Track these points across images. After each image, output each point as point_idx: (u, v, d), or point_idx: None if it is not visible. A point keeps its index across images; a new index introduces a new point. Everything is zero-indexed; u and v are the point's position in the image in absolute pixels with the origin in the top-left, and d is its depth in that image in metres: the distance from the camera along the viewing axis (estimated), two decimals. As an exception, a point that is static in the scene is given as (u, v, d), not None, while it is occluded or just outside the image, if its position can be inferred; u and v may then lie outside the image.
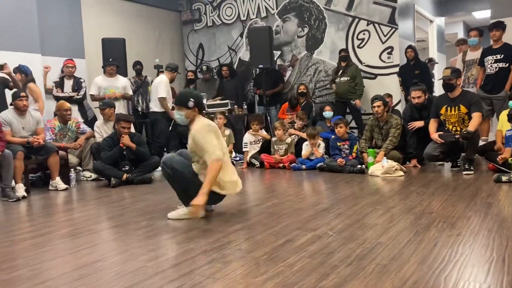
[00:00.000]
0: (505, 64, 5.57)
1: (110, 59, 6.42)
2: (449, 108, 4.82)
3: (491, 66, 5.67)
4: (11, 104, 5.08)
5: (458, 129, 4.78)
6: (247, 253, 2.38)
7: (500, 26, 5.63)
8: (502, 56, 5.58)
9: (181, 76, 8.18)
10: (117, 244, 2.74)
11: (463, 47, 6.72)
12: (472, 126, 4.55)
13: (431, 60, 8.41)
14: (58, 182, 4.97)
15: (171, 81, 6.43)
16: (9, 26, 5.88)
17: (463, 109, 4.72)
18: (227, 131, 6.34)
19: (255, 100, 8.24)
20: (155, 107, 6.36)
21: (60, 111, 5.55)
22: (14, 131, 4.90)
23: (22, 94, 4.97)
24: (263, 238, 2.66)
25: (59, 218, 3.62)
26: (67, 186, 4.99)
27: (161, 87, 6.22)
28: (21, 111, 4.94)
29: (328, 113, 6.33)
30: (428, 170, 5.05)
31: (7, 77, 5.25)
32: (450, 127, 4.86)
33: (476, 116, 4.60)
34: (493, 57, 5.64)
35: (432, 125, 4.95)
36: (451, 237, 2.51)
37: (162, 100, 6.24)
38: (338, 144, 5.36)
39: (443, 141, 4.72)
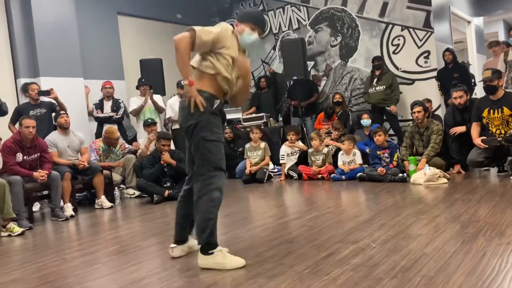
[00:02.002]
0: None
1: (143, 80, 6.65)
2: (491, 110, 4.66)
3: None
4: (55, 128, 5.34)
5: (503, 132, 4.62)
6: (289, 268, 2.38)
7: None
8: None
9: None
10: (163, 260, 2.81)
11: (496, 49, 6.49)
12: None
13: (464, 63, 8.14)
14: (103, 200, 5.16)
15: None
16: (53, 54, 6.21)
17: (506, 111, 4.56)
18: (262, 144, 6.39)
19: (290, 111, 8.25)
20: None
21: (110, 138, 5.77)
22: (60, 151, 5.15)
23: (62, 112, 5.26)
24: (304, 252, 2.65)
25: (106, 236, 3.75)
26: (112, 204, 5.17)
27: None
28: (64, 128, 5.19)
29: (366, 121, 6.26)
30: (473, 176, 4.88)
31: (54, 101, 5.53)
32: (494, 130, 4.69)
33: None
34: None
35: (475, 129, 4.80)
36: (500, 246, 2.42)
37: None
38: (378, 152, 5.28)
39: (486, 146, 4.57)
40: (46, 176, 4.58)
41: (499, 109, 4.60)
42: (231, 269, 2.42)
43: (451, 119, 5.26)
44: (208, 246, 2.49)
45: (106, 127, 6.04)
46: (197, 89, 2.49)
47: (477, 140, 4.68)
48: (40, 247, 3.53)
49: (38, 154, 4.73)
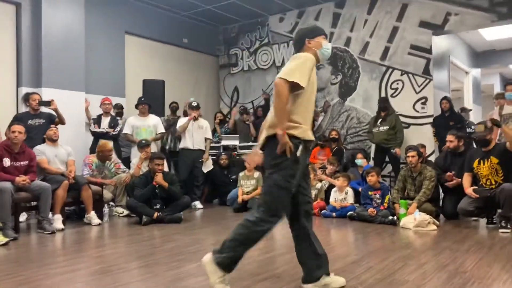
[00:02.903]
0: None
1: (142, 98, 6.66)
2: (481, 161, 4.75)
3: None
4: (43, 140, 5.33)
5: (493, 181, 4.68)
6: (274, 304, 2.37)
7: None
8: None
9: (210, 116, 8.43)
10: (147, 285, 2.78)
11: (502, 101, 6.63)
12: None
13: (464, 110, 8.30)
14: (92, 216, 5.11)
15: None
16: (58, 65, 6.27)
17: (493, 159, 4.65)
18: (256, 174, 6.40)
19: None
20: (199, 145, 6.61)
21: (103, 151, 5.77)
22: (48, 160, 5.13)
23: (51, 125, 5.33)
24: (291, 288, 2.64)
25: (91, 253, 3.71)
26: (100, 221, 5.12)
27: (209, 130, 6.83)
28: (53, 140, 5.20)
29: (360, 160, 6.31)
30: (462, 225, 4.90)
31: (53, 113, 5.55)
32: (484, 180, 4.76)
33: None
34: None
35: (466, 179, 4.87)
36: (486, 300, 2.42)
37: (209, 142, 6.81)
38: (370, 193, 5.31)
39: (477, 196, 4.63)
40: (27, 181, 4.55)
41: (488, 160, 4.69)
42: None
43: (441, 162, 5.41)
44: (221, 265, 2.48)
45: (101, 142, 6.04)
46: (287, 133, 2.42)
47: (469, 190, 4.74)
48: (23, 260, 3.47)
49: (27, 162, 4.73)
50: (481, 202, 4.69)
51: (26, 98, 5.57)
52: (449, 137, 5.29)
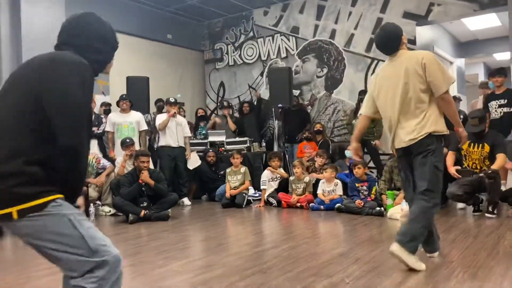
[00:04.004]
0: (510, 109, 5.56)
1: (124, 95, 6.54)
2: (472, 144, 4.77)
3: (495, 111, 5.64)
4: None
5: (479, 167, 4.72)
6: (261, 300, 2.35)
7: (502, 72, 5.65)
8: (506, 101, 5.56)
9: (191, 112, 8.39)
10: (131, 285, 2.74)
11: (486, 90, 6.69)
12: (496, 165, 4.50)
13: (455, 98, 8.33)
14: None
15: None
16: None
17: (486, 147, 4.68)
18: (243, 169, 6.38)
19: (273, 137, 8.30)
20: (180, 142, 6.54)
21: None
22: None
23: None
24: (278, 283, 2.62)
25: (76, 254, 3.65)
26: None
27: (187, 127, 6.75)
28: None
29: (349, 152, 6.29)
30: (449, 215, 4.94)
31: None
32: (470, 163, 4.80)
33: (500, 157, 4.56)
34: (497, 102, 5.63)
35: (450, 157, 4.89)
36: (472, 289, 2.43)
37: (188, 139, 6.74)
38: (357, 185, 5.32)
39: (460, 176, 4.66)
40: None
41: (480, 145, 4.72)
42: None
43: None
44: (414, 251, 2.84)
45: None
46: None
47: (452, 169, 4.76)
48: (6, 263, 3.41)
49: None
50: (470, 188, 4.70)
51: None
52: None
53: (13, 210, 1.39)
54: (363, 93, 6.96)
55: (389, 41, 2.92)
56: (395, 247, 2.80)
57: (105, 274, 1.47)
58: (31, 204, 1.40)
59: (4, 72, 6.01)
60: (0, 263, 3.42)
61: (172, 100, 6.54)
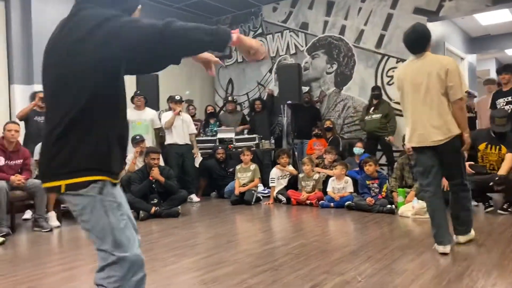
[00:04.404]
0: None
1: (138, 92, 6.56)
2: (489, 145, 4.70)
3: (503, 108, 5.54)
4: None
5: (496, 168, 4.65)
6: (273, 297, 2.35)
7: (509, 70, 5.55)
8: None
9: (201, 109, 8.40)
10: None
11: (492, 87, 6.60)
12: (503, 170, 4.42)
13: (469, 94, 8.19)
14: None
15: None
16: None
17: (504, 149, 4.61)
18: (253, 166, 6.38)
19: (282, 134, 8.28)
20: (186, 139, 6.55)
21: None
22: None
23: None
24: (289, 281, 2.62)
25: (88, 251, 3.68)
26: None
27: (192, 124, 6.71)
28: None
29: (358, 149, 6.28)
30: (460, 212, 4.89)
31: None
32: (488, 165, 4.73)
33: (508, 158, 4.48)
34: (504, 99, 5.52)
35: None
36: (485, 287, 2.41)
37: (194, 136, 6.69)
38: (368, 182, 5.29)
39: (473, 171, 4.61)
40: (22, 181, 4.52)
41: (498, 147, 4.65)
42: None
43: None
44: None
45: None
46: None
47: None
48: (21, 259, 3.45)
49: (21, 161, 4.69)
50: (480, 185, 4.64)
51: (33, 96, 5.54)
52: None
53: (62, 183, 1.44)
54: (375, 89, 6.90)
55: (419, 41, 3.22)
56: (462, 239, 3.36)
57: (125, 274, 1.47)
58: (74, 180, 1.43)
59: (16, 69, 6.07)
60: (16, 259, 3.46)
61: (177, 98, 6.55)
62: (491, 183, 4.49)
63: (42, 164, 1.51)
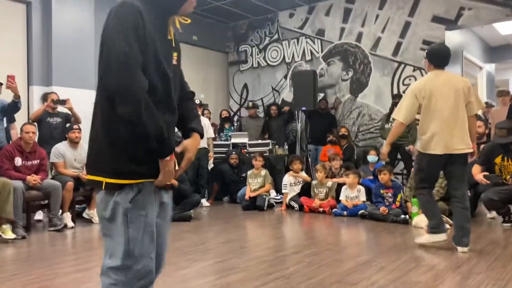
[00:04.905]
0: None
1: None
2: (506, 158, 4.62)
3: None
4: (65, 138, 5.37)
5: None
6: (284, 306, 2.34)
7: None
8: None
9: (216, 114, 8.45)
10: (156, 285, 2.76)
11: (506, 99, 6.49)
12: None
13: (486, 104, 8.06)
14: (95, 214, 5.14)
15: None
16: (68, 64, 6.28)
17: None
18: (263, 172, 6.38)
19: (296, 140, 8.26)
20: (203, 143, 6.59)
21: None
22: (67, 162, 5.15)
23: (75, 126, 5.26)
24: (301, 290, 2.61)
25: (101, 253, 3.70)
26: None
27: (211, 129, 6.81)
28: (74, 142, 5.20)
29: (372, 157, 6.23)
30: (478, 224, 4.81)
31: (69, 112, 5.57)
32: (507, 177, 4.64)
33: None
34: None
35: (476, 168, 4.74)
36: (502, 303, 2.36)
37: (211, 140, 6.85)
38: (382, 191, 5.24)
39: (488, 182, 4.53)
40: (38, 181, 4.58)
41: (511, 159, 4.58)
42: None
43: None
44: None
45: None
46: None
47: (479, 176, 4.61)
48: (34, 259, 3.49)
49: (38, 161, 4.77)
50: (506, 197, 4.54)
51: (45, 97, 5.63)
52: (477, 123, 5.18)
53: (104, 180, 1.42)
54: (396, 97, 6.81)
55: (448, 57, 3.63)
56: (463, 250, 3.49)
57: (125, 280, 1.43)
58: (112, 180, 1.41)
59: (35, 71, 6.17)
60: (30, 259, 3.51)
61: (197, 101, 6.61)
62: (506, 182, 4.43)
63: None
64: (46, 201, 4.84)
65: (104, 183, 1.42)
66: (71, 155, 5.19)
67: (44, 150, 5.02)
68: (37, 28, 6.21)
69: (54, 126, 5.49)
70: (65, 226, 4.63)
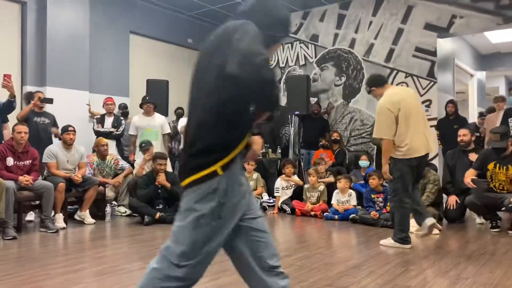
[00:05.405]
0: None
1: (147, 97, 6.60)
2: (498, 165, 4.68)
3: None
4: (59, 138, 5.36)
5: (506, 188, 4.63)
6: (275, 308, 2.36)
7: None
8: None
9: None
10: (148, 287, 2.77)
11: (501, 104, 6.59)
12: None
13: (481, 114, 8.15)
14: (86, 215, 5.15)
15: None
16: (62, 64, 6.29)
17: (511, 169, 4.58)
18: (255, 175, 6.42)
19: (289, 144, 8.31)
20: None
21: (98, 146, 5.79)
22: (59, 163, 5.14)
23: (70, 128, 5.24)
24: (292, 292, 2.63)
25: (93, 254, 3.72)
26: (94, 221, 5.13)
27: None
28: (67, 144, 5.19)
29: (364, 162, 6.29)
30: (465, 230, 4.88)
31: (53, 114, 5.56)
32: (497, 184, 4.71)
33: None
34: None
35: (470, 172, 4.80)
36: (488, 308, 2.41)
37: None
38: (372, 196, 5.29)
39: (474, 186, 4.60)
40: (30, 181, 4.57)
41: (505, 166, 4.63)
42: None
43: (449, 159, 5.43)
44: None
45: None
46: None
47: (467, 179, 4.69)
48: (25, 259, 3.48)
49: (30, 162, 4.75)
50: (489, 203, 4.62)
51: (31, 96, 5.59)
52: (463, 131, 5.29)
53: (218, 167, 1.48)
54: None
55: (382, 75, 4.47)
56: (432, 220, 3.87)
57: (169, 275, 1.53)
58: (203, 173, 1.48)
59: (29, 71, 6.16)
60: (21, 259, 3.50)
61: None
62: (503, 208, 4.47)
63: None
64: (38, 202, 4.83)
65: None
66: (64, 156, 5.19)
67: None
68: (32, 28, 6.21)
69: (42, 127, 5.48)
70: (57, 231, 4.60)
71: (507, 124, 5.59)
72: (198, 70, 1.64)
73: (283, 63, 8.70)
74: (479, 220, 5.17)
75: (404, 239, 3.90)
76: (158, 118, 6.50)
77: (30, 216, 5.28)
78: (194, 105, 1.60)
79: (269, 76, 1.41)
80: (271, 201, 6.61)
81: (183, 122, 6.65)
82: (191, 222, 1.51)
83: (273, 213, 6.02)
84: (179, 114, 7.54)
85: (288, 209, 5.99)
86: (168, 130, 6.61)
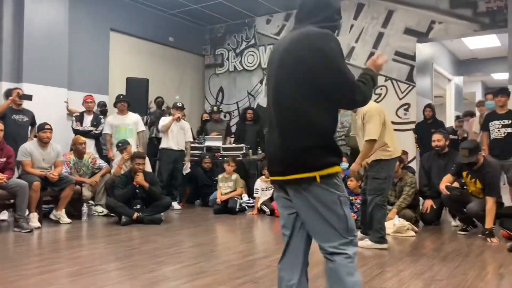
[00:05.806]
0: None
1: (121, 96, 6.50)
2: (469, 176, 4.75)
3: (498, 130, 5.55)
4: (35, 136, 5.25)
5: (479, 196, 4.70)
6: (251, 310, 2.36)
7: (505, 92, 5.60)
8: (510, 121, 5.50)
9: (195, 116, 8.42)
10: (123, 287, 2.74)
11: (483, 108, 6.73)
12: (489, 223, 4.39)
13: (458, 118, 8.25)
14: (62, 215, 5.06)
15: None
16: (39, 61, 6.16)
17: (478, 184, 4.65)
18: (234, 176, 6.41)
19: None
20: (181, 146, 6.58)
21: (76, 145, 5.68)
22: (34, 162, 5.03)
23: (47, 126, 5.13)
24: (268, 294, 2.64)
25: (68, 254, 3.65)
26: (70, 221, 5.04)
27: (190, 132, 6.78)
28: (43, 142, 5.08)
29: (343, 164, 6.34)
30: (440, 232, 4.97)
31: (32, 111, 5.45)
32: (470, 191, 4.81)
33: (489, 204, 4.40)
34: (500, 122, 5.54)
35: (446, 177, 4.86)
36: (460, 309, 2.45)
37: (189, 144, 6.81)
38: (351, 198, 5.34)
39: (448, 193, 4.68)
40: (4, 179, 4.47)
41: (473, 180, 4.69)
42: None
43: (425, 162, 5.53)
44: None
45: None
46: None
47: (442, 186, 4.77)
48: (-3, 260, 3.40)
49: (5, 159, 4.64)
50: (459, 198, 4.73)
51: (9, 93, 5.47)
52: (437, 136, 5.38)
53: (317, 174, 1.67)
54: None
55: None
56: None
57: (355, 252, 1.71)
58: (328, 171, 1.69)
59: (5, 67, 6.01)
60: (-9, 260, 3.41)
61: (179, 104, 6.62)
62: (480, 235, 4.55)
63: None
64: (12, 201, 4.72)
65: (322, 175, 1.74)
66: (39, 155, 5.08)
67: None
68: (8, 23, 6.06)
69: (20, 124, 5.36)
70: (32, 231, 4.50)
71: (488, 128, 5.64)
72: (281, 70, 1.78)
73: (265, 64, 8.71)
74: (454, 222, 5.27)
75: (382, 238, 4.01)
76: (132, 116, 6.45)
77: (4, 215, 5.16)
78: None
79: (361, 98, 1.78)
80: (251, 201, 6.61)
81: (165, 120, 6.57)
82: None
83: (253, 214, 6.02)
84: (159, 102, 7.50)
85: (267, 210, 6.00)
86: (142, 127, 6.57)
